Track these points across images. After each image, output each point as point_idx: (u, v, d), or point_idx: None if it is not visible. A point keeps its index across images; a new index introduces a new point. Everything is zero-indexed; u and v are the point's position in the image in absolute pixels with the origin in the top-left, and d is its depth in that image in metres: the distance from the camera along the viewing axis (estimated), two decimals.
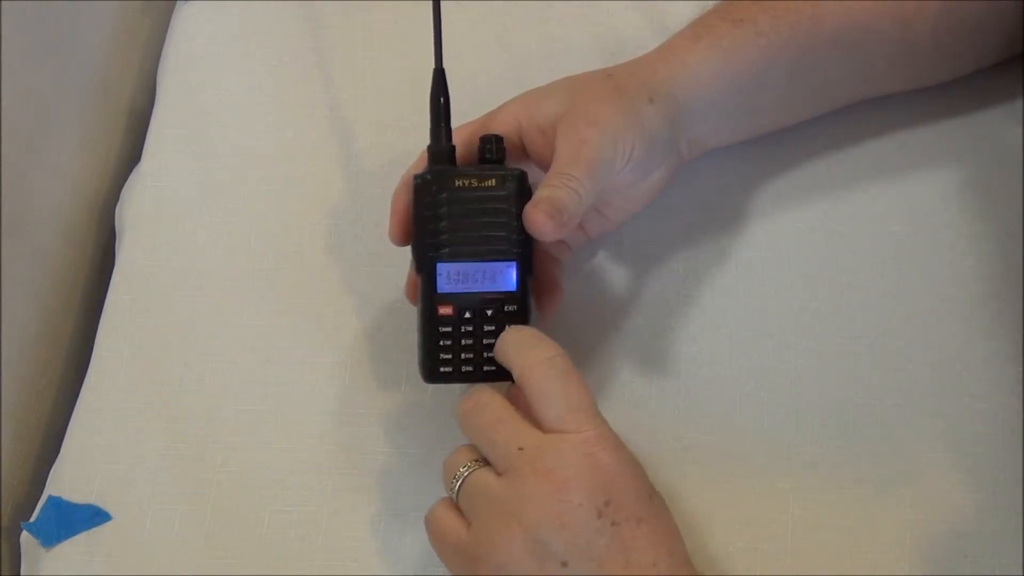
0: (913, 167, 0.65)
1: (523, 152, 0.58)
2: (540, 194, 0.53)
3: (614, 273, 0.64)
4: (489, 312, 0.55)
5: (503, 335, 0.53)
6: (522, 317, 0.55)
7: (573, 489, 0.48)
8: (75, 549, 0.58)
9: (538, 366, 0.51)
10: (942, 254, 0.63)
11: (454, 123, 0.57)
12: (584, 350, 0.62)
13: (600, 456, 0.49)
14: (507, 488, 0.49)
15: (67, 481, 0.60)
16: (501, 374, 0.54)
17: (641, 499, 0.50)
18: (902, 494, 0.57)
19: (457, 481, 0.51)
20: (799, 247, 0.64)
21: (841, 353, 0.61)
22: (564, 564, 0.48)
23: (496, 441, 0.51)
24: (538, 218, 0.53)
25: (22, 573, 0.59)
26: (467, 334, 0.55)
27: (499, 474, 0.50)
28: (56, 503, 0.59)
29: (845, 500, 0.57)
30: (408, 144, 0.67)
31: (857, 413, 0.59)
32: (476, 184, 0.54)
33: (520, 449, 0.50)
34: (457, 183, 0.54)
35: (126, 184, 0.70)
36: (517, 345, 0.53)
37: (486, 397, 0.52)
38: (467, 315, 0.55)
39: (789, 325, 0.62)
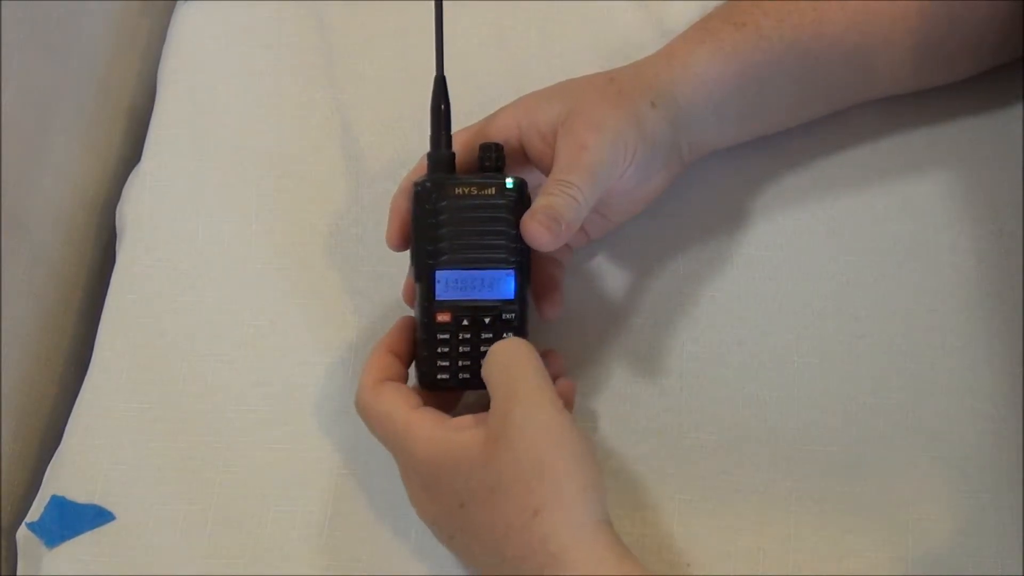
0: (913, 167, 0.66)
1: (523, 157, 0.58)
2: (538, 203, 0.53)
3: (615, 273, 0.64)
4: (487, 320, 0.55)
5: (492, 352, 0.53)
6: (519, 325, 0.55)
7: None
8: (77, 549, 0.58)
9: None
10: (942, 254, 0.63)
11: (454, 125, 0.57)
12: (585, 350, 0.62)
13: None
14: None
15: (69, 481, 0.60)
16: None
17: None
18: (903, 493, 0.57)
19: None
20: (800, 247, 0.64)
21: (843, 352, 0.61)
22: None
23: None
24: (535, 229, 0.52)
25: (20, 573, 0.59)
26: (465, 341, 0.55)
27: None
28: (59, 503, 0.59)
29: (846, 500, 0.57)
30: (409, 144, 0.68)
31: (859, 412, 0.59)
32: (475, 192, 0.55)
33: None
34: (456, 191, 0.54)
35: (126, 184, 0.70)
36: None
37: None
38: (465, 322, 0.55)
39: (791, 325, 0.62)
